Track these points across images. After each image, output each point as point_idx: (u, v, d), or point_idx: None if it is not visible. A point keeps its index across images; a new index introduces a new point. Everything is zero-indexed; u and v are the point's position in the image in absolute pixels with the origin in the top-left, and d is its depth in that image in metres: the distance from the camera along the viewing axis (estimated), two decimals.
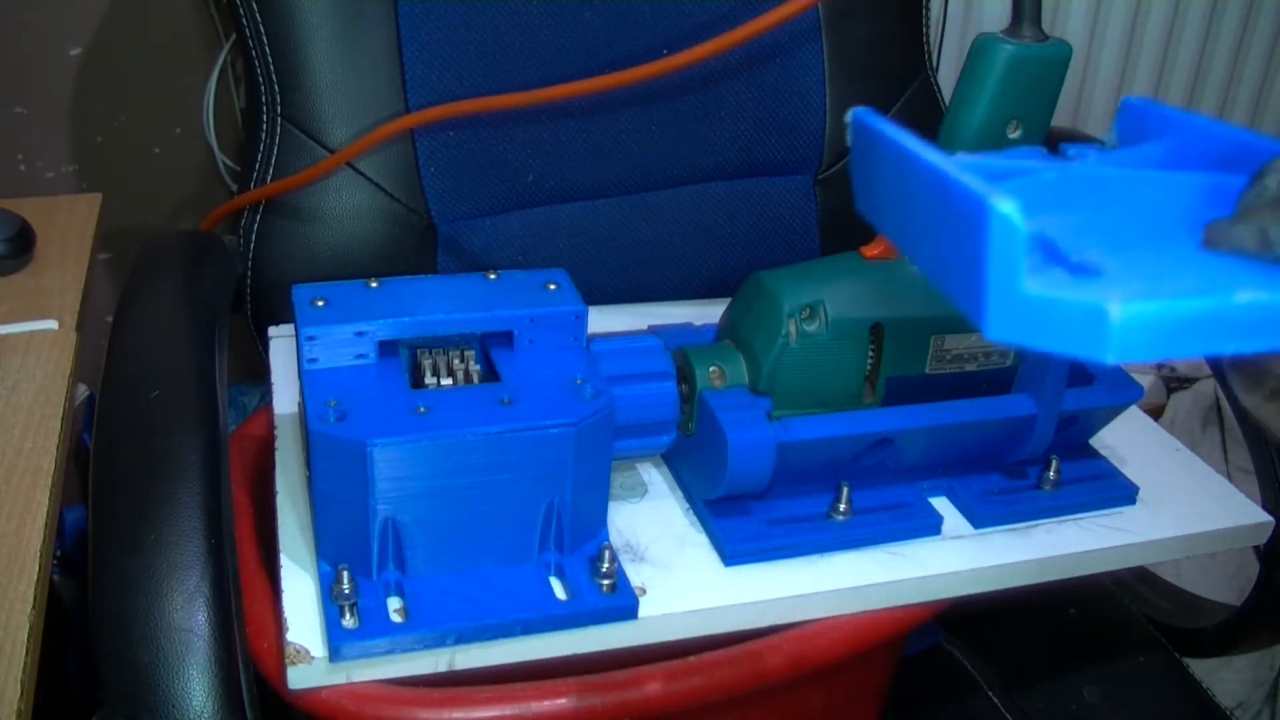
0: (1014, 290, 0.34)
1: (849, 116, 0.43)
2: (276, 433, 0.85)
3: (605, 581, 0.73)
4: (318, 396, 0.70)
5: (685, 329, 0.85)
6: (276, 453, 0.83)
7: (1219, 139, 0.43)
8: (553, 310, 0.76)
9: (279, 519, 0.77)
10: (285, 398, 0.88)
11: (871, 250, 0.79)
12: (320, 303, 0.74)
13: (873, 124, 0.43)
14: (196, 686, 0.61)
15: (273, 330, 0.96)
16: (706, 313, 0.92)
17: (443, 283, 0.78)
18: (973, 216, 0.35)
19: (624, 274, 1.12)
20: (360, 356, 0.73)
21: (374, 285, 0.77)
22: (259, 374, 0.99)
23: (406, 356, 0.76)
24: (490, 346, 0.77)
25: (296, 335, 0.73)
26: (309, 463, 0.70)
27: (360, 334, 0.73)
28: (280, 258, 1.02)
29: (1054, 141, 0.69)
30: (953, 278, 0.37)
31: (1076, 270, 0.37)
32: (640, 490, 0.84)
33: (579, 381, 0.73)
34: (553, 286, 0.78)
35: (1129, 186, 0.42)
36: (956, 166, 0.37)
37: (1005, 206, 0.33)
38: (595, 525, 0.76)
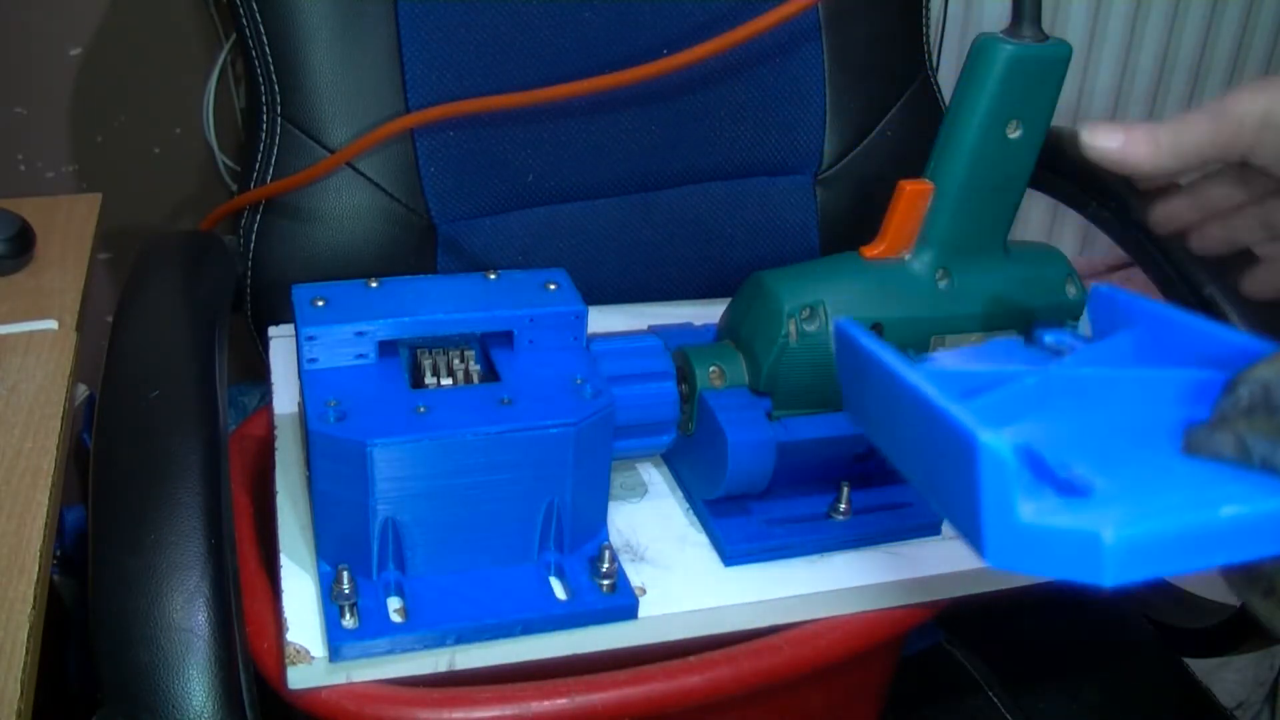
0: (1010, 521, 0.35)
1: (832, 327, 0.43)
2: (276, 433, 0.84)
3: (605, 581, 0.72)
4: (317, 396, 0.70)
5: (685, 329, 0.85)
6: (276, 453, 0.82)
7: (1192, 333, 0.44)
8: (553, 310, 0.76)
9: (279, 519, 0.77)
10: (285, 398, 0.88)
11: (872, 250, 0.78)
12: (320, 303, 0.74)
13: (856, 338, 0.44)
14: (196, 686, 0.61)
15: (273, 330, 0.96)
16: (706, 313, 0.91)
17: (443, 283, 0.78)
18: (964, 450, 0.36)
19: (624, 274, 1.12)
20: (360, 356, 0.73)
21: (374, 285, 0.76)
22: (259, 374, 0.99)
23: (406, 357, 0.76)
24: (490, 346, 0.77)
25: (296, 335, 0.73)
26: (309, 463, 0.70)
27: (360, 334, 0.73)
28: (280, 258, 1.02)
29: (1052, 139, 0.72)
30: (948, 501, 0.38)
31: (1066, 489, 0.38)
32: (640, 490, 0.84)
33: (579, 382, 0.73)
34: (553, 286, 0.78)
35: (1108, 388, 0.43)
36: (942, 392, 0.38)
37: (996, 442, 0.35)
38: (595, 525, 0.76)
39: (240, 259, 1.03)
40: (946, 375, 0.44)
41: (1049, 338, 0.54)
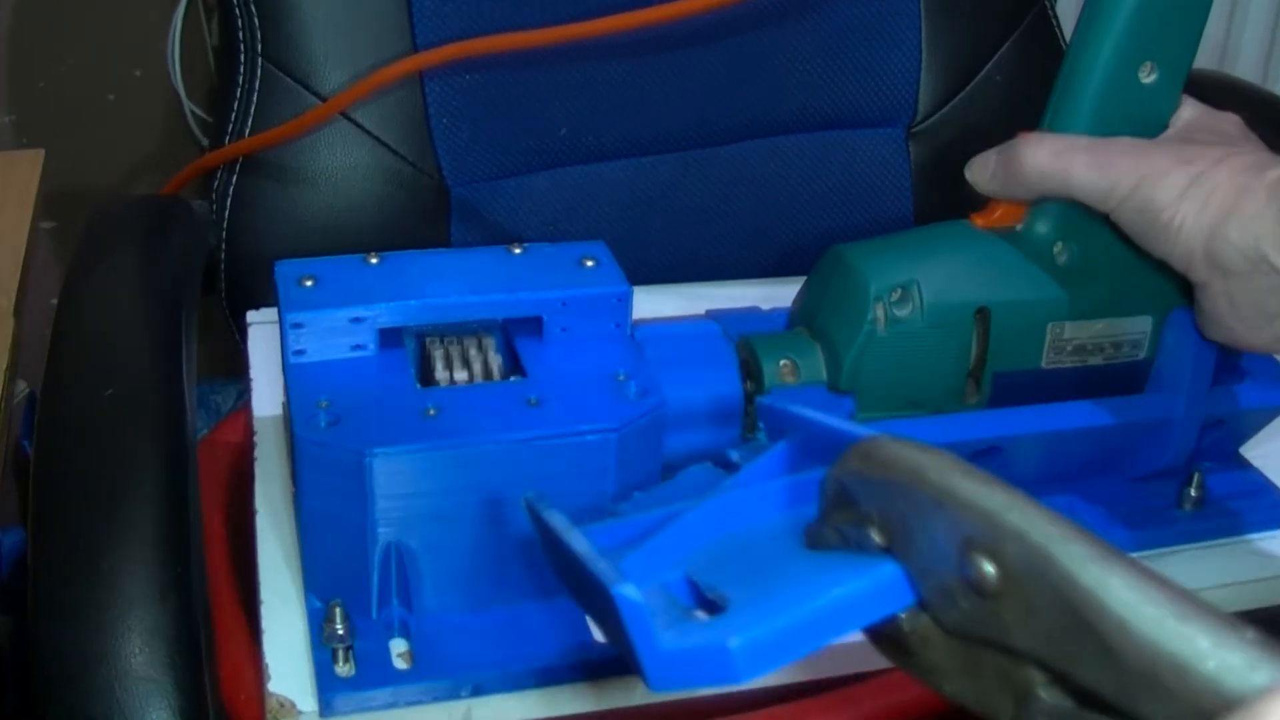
0: (656, 650, 0.46)
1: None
2: (256, 440, 0.84)
3: None
4: (306, 396, 0.71)
5: (750, 314, 0.85)
6: (256, 464, 0.83)
7: (826, 433, 0.54)
8: (590, 291, 0.76)
9: (259, 545, 0.77)
10: (266, 397, 0.88)
11: (986, 217, 0.79)
12: (309, 282, 0.74)
13: (540, 509, 0.57)
14: None
15: (251, 315, 0.95)
16: (776, 294, 0.90)
17: (458, 258, 0.79)
18: (609, 600, 0.47)
19: (676, 247, 1.13)
20: (357, 348, 0.74)
21: (374, 261, 0.77)
22: (235, 368, 0.99)
23: (414, 347, 0.76)
24: (514, 335, 0.77)
25: (280, 321, 0.73)
26: (295, 477, 0.71)
27: (357, 320, 0.73)
28: (261, 228, 1.03)
29: (1196, 86, 0.74)
30: (618, 642, 0.48)
31: (713, 608, 0.49)
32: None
33: (621, 377, 0.74)
34: (590, 263, 0.78)
35: (754, 501, 0.54)
36: (591, 550, 0.50)
37: (627, 591, 0.46)
38: None
39: (212, 229, 1.04)
40: (624, 527, 0.55)
41: (734, 455, 0.68)
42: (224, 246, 1.04)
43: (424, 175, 1.05)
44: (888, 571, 0.46)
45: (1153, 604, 0.36)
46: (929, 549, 0.44)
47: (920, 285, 0.76)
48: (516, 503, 0.68)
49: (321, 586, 0.72)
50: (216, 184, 1.04)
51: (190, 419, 0.76)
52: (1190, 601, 0.36)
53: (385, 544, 0.70)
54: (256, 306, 0.97)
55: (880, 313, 0.76)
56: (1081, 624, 0.37)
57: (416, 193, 1.05)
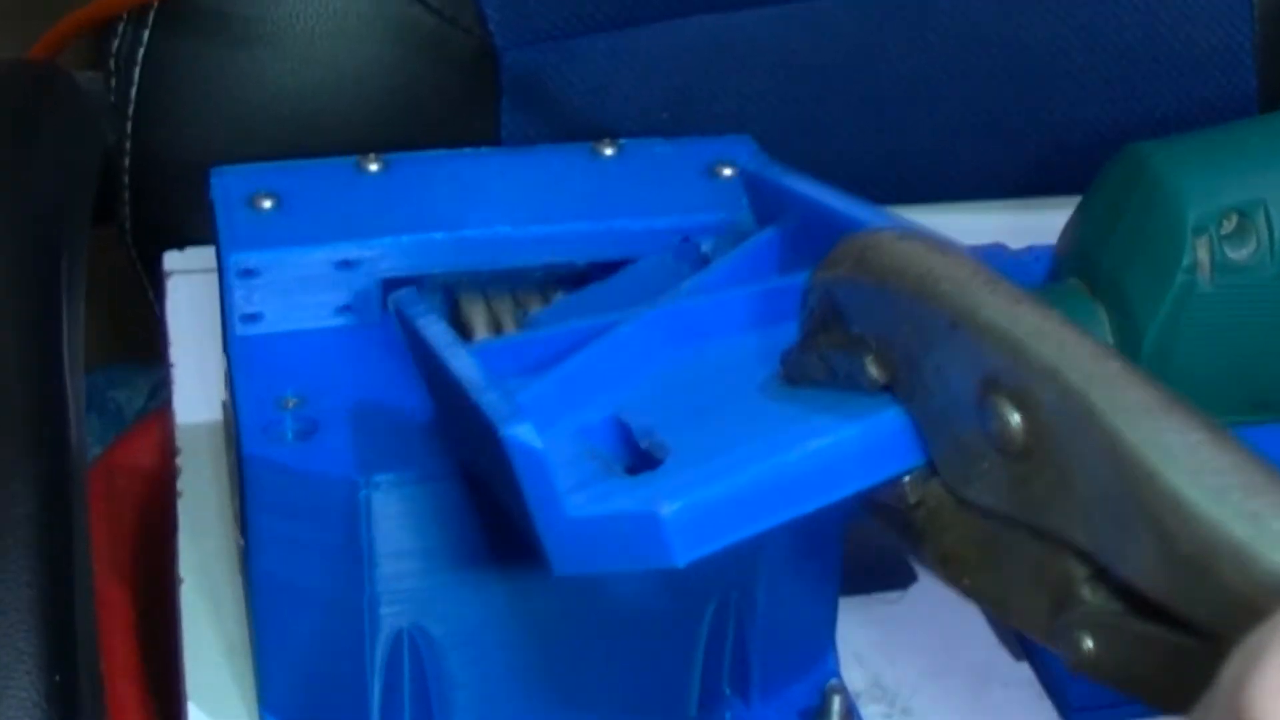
0: (560, 518, 0.43)
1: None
2: (180, 463, 0.77)
3: None
4: (262, 390, 0.62)
5: (993, 254, 0.78)
6: (181, 502, 0.75)
7: (814, 218, 0.54)
8: (727, 217, 0.67)
9: (184, 633, 0.69)
10: (196, 392, 0.79)
11: None
12: (267, 203, 0.67)
13: (412, 315, 0.55)
14: None
15: (171, 259, 0.87)
16: (1030, 224, 0.83)
17: (510, 164, 0.72)
18: (498, 446, 0.43)
19: (864, 146, 1.01)
20: (345, 310, 0.65)
21: (374, 168, 0.70)
22: (145, 345, 0.93)
23: (438, 309, 0.67)
24: None
25: (220, 268, 0.66)
26: (244, 522, 0.63)
27: (346, 264, 0.65)
28: (189, 115, 0.93)
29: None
30: (516, 512, 0.45)
31: (643, 461, 0.46)
32: (901, 578, 0.76)
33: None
34: (728, 172, 0.70)
35: (706, 315, 0.52)
36: (477, 375, 0.47)
37: (521, 433, 0.43)
38: (813, 649, 0.69)
39: (110, 117, 0.94)
40: (532, 344, 0.52)
41: (705, 244, 0.64)
42: (129, 146, 0.93)
43: (459, 31, 0.94)
44: (888, 417, 0.44)
45: (1217, 471, 0.34)
46: (940, 389, 0.42)
47: (1270, 210, 0.67)
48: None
49: (282, 701, 0.65)
50: (118, 45, 0.93)
51: (74, 432, 0.69)
52: (1268, 472, 0.34)
53: (392, 633, 0.61)
54: (179, 244, 0.88)
55: (1204, 254, 0.67)
56: (1128, 496, 0.35)
57: (446, 58, 0.94)
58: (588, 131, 0.90)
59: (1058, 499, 0.38)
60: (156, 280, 0.88)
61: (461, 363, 0.48)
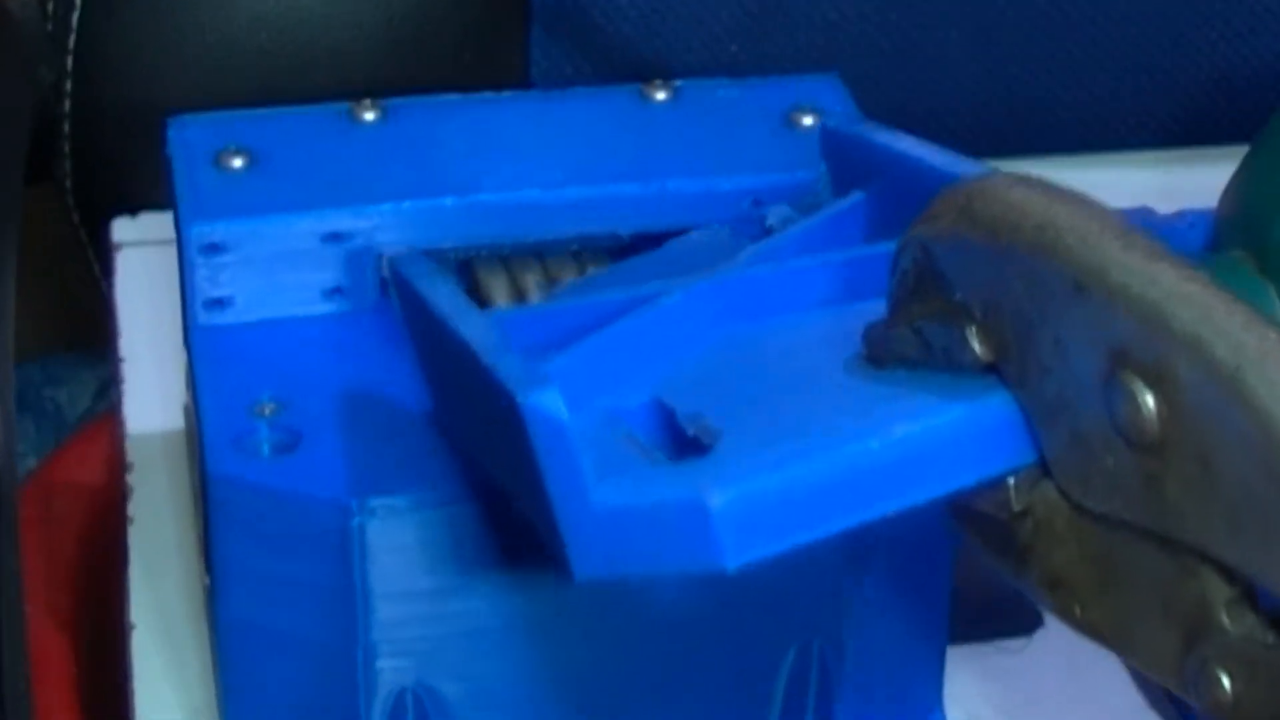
0: (583, 508, 0.41)
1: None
2: (132, 480, 0.74)
3: None
4: (232, 391, 0.60)
5: (1138, 218, 0.67)
6: (133, 527, 0.72)
7: (909, 177, 0.54)
8: (807, 177, 0.65)
9: (135, 687, 0.65)
10: (150, 393, 0.77)
11: None
12: (237, 161, 0.64)
13: (410, 274, 0.55)
14: None
15: (121, 227, 0.82)
16: (1185, 182, 0.80)
17: (540, 111, 0.70)
18: (513, 417, 0.41)
19: (980, 84, 0.97)
20: (334, 293, 0.63)
21: (369, 117, 0.67)
22: (89, 333, 0.95)
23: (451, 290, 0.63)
24: None
25: (179, 240, 0.62)
26: (209, 554, 0.60)
27: (334, 237, 0.63)
28: (143, 48, 0.89)
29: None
30: (530, 505, 0.43)
31: (689, 448, 0.44)
32: (1025, 621, 0.73)
33: None
34: (808, 120, 0.67)
35: (772, 288, 0.51)
36: (490, 337, 0.46)
37: (546, 400, 0.41)
38: (913, 706, 0.66)
39: (49, 50, 0.91)
40: (561, 314, 0.51)
41: (773, 216, 0.63)
42: (69, 87, 0.90)
43: None
44: (993, 403, 0.40)
45: None
46: (1059, 367, 0.39)
47: None
48: (665, 611, 0.62)
49: None
50: None
51: (4, 440, 0.66)
52: None
53: (392, 691, 0.59)
54: (132, 209, 0.83)
55: None
56: None
57: None
58: (636, 69, 0.89)
59: (1197, 502, 0.35)
60: (103, 254, 0.84)
61: (472, 325, 0.47)
